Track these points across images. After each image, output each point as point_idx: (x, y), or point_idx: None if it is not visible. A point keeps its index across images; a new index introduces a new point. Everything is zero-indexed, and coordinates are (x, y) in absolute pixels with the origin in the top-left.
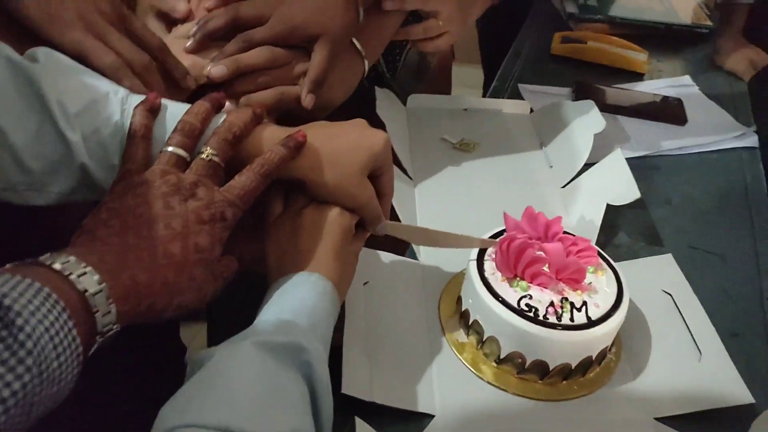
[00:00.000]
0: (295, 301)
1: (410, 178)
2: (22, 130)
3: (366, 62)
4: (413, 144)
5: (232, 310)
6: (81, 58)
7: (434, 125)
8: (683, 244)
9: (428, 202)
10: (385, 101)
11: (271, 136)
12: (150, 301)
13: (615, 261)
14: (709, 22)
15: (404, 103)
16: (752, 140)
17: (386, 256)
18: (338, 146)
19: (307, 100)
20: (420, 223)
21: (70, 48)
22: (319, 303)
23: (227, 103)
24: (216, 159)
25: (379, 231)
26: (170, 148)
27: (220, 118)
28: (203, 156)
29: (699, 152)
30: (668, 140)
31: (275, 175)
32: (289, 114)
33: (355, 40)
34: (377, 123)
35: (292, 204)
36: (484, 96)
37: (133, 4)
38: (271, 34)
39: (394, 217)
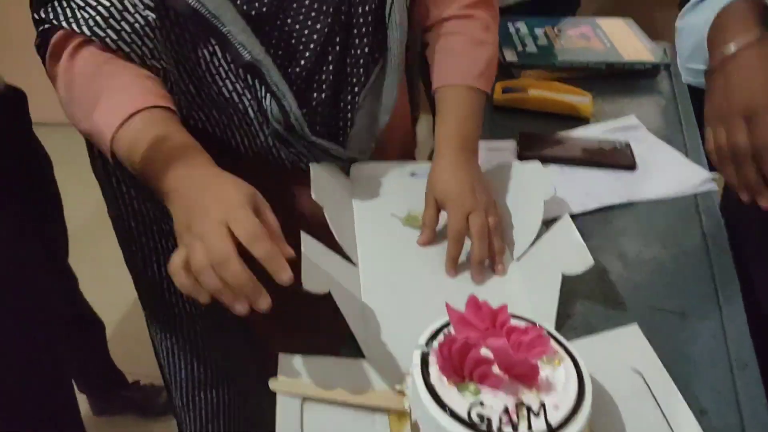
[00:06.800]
0: None
1: (354, 264)
2: None
3: None
4: (360, 222)
5: None
6: None
7: (381, 197)
8: (642, 305)
9: (374, 286)
10: (321, 180)
11: None
12: None
13: (575, 337)
14: (651, 58)
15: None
16: (709, 185)
17: (326, 360)
18: None
19: None
20: (367, 311)
21: None
22: None
23: None
24: None
25: None
26: None
27: None
28: None
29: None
30: (621, 192)
31: None
32: None
33: None
34: None
35: None
36: None
37: None
38: None
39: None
